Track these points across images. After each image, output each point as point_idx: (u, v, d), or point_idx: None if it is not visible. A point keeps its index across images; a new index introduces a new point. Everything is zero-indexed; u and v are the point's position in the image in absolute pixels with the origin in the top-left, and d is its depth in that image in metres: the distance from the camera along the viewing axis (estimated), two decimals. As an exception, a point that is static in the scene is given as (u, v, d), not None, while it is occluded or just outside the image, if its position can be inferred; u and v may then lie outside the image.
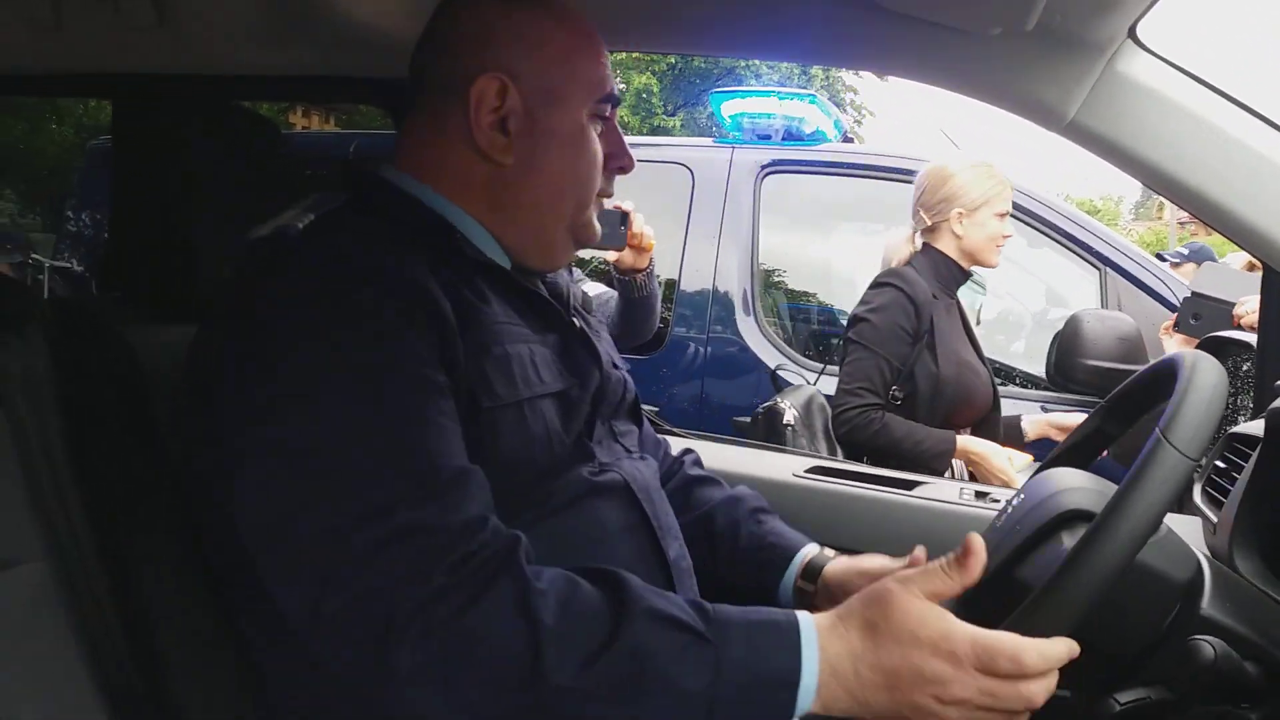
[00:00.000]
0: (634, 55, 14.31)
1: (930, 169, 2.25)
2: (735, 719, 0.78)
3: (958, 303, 2.29)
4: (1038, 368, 3.05)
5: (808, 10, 1.21)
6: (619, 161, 1.09)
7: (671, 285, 3.30)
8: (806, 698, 0.79)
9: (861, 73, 14.91)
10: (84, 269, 4.45)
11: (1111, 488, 0.83)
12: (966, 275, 2.26)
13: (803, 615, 0.82)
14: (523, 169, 1.01)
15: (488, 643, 0.76)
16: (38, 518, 0.92)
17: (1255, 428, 1.07)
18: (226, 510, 0.85)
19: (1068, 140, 1.16)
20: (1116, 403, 1.03)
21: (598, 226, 1.09)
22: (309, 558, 0.78)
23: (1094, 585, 0.73)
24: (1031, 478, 1.00)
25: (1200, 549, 0.94)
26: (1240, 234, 1.10)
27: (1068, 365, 2.57)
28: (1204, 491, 1.21)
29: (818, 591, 1.14)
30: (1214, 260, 4.37)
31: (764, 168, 3.37)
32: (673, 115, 14.84)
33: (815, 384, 2.60)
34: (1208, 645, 0.81)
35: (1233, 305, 2.34)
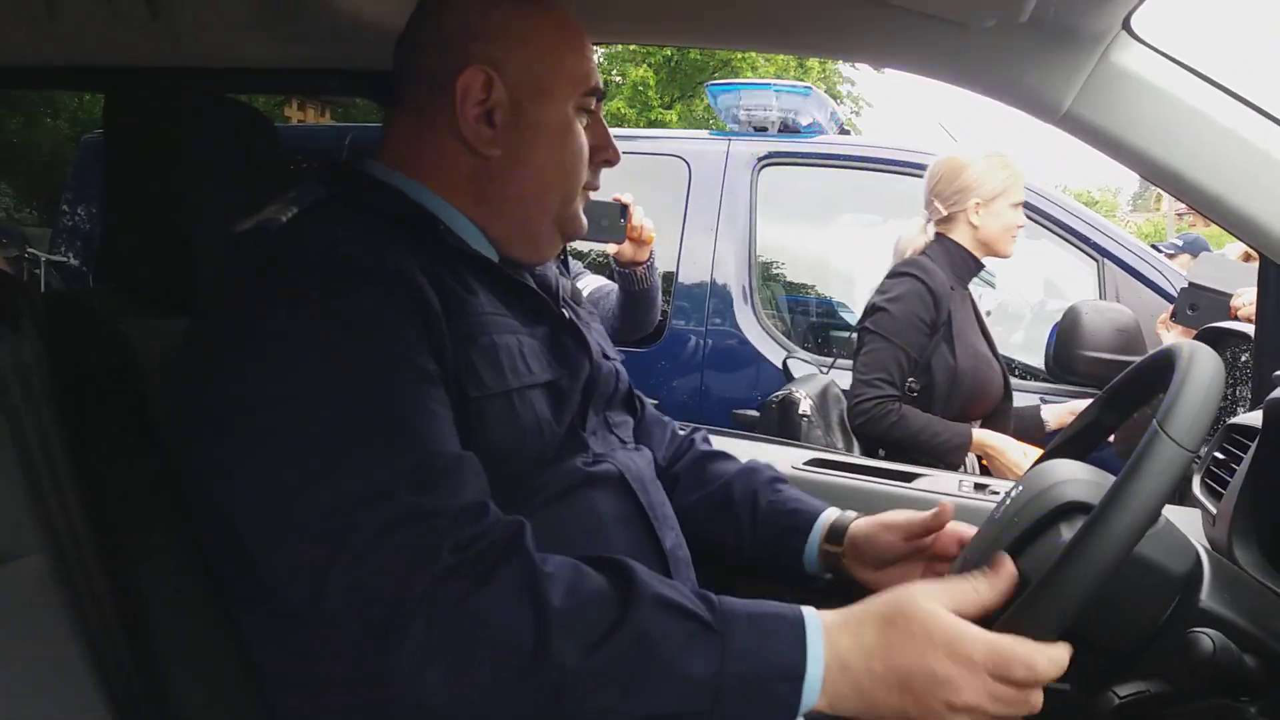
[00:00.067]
0: (630, 48, 14.30)
1: (945, 159, 2.24)
2: (739, 709, 0.78)
3: (969, 294, 2.28)
4: (1036, 359, 3.06)
5: (803, 3, 1.20)
6: (604, 154, 1.09)
7: (669, 278, 3.30)
8: (812, 692, 0.78)
9: (858, 65, 14.91)
10: (80, 263, 4.44)
11: (1110, 479, 0.83)
12: (980, 266, 2.25)
13: (808, 610, 0.82)
14: (509, 162, 1.02)
15: (495, 625, 0.76)
16: (35, 512, 0.92)
17: (1254, 419, 1.07)
18: (223, 504, 0.85)
19: (1063, 131, 1.16)
20: (1114, 394, 1.02)
21: (584, 219, 1.10)
22: (309, 545, 0.78)
23: (1092, 578, 0.73)
24: (1030, 469, 1.00)
25: (1199, 541, 0.94)
26: (1236, 224, 1.10)
27: (1066, 356, 2.57)
28: (1203, 483, 1.21)
29: (845, 551, 1.15)
30: (1208, 251, 4.37)
31: (761, 160, 3.37)
32: (669, 108, 14.81)
33: (828, 372, 2.58)
34: (1206, 638, 0.81)
35: (1230, 296, 2.33)
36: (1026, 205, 3.02)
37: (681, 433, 1.36)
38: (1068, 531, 0.86)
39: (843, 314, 3.73)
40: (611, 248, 2.04)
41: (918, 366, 2.12)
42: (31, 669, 0.86)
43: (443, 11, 1.02)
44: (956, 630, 0.78)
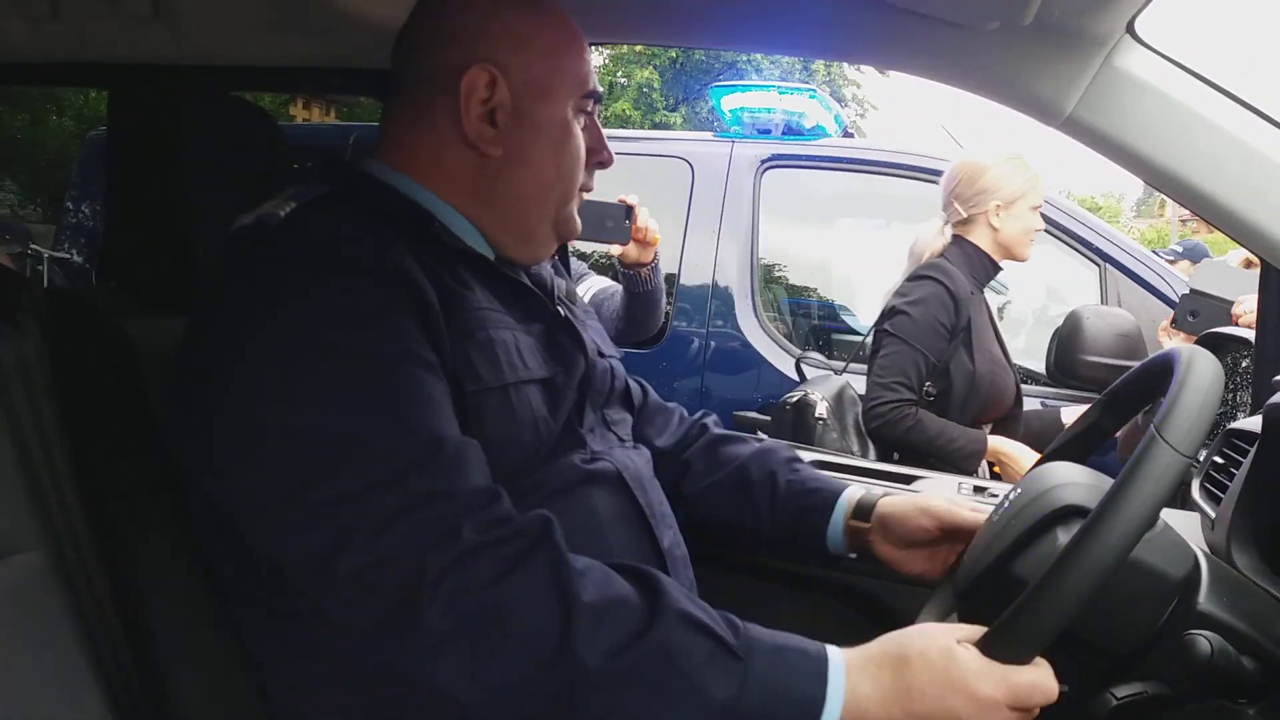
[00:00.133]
0: (635, 49, 14.31)
1: (964, 161, 2.22)
2: None
3: (984, 298, 2.27)
4: (1038, 364, 3.05)
5: (808, 4, 1.20)
6: (599, 156, 1.10)
7: (671, 280, 3.29)
8: None
9: (862, 67, 14.90)
10: (84, 260, 4.45)
11: (1108, 483, 0.83)
12: (997, 269, 2.24)
13: (833, 649, 0.83)
14: (509, 162, 1.02)
15: (521, 612, 0.76)
16: (34, 508, 0.92)
17: (1253, 424, 1.07)
18: (226, 501, 0.85)
19: (1066, 135, 1.16)
20: (1113, 397, 1.02)
21: (578, 221, 1.10)
22: (320, 525, 0.78)
23: (1087, 582, 0.73)
24: (1029, 472, 1.00)
25: (1199, 544, 0.94)
26: (1237, 230, 1.10)
27: (1068, 361, 2.57)
28: (1202, 487, 1.21)
29: (873, 527, 1.15)
30: (1208, 257, 4.37)
31: (764, 162, 3.37)
32: (674, 110, 14.82)
33: (843, 373, 2.56)
34: (1204, 640, 0.81)
35: (1231, 303, 2.33)
36: (1029, 209, 3.03)
37: (689, 418, 1.36)
38: (1064, 536, 0.86)
39: (845, 317, 3.73)
40: (616, 249, 2.04)
41: (935, 371, 2.10)
42: (30, 665, 0.87)
43: (446, 11, 1.02)
44: (974, 670, 0.78)
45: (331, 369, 0.83)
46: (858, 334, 3.61)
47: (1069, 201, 3.33)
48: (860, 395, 2.24)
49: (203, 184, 1.11)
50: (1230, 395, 1.82)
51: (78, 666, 0.90)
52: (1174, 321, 2.51)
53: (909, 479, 1.56)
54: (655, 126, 13.72)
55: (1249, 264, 3.05)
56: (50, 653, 0.89)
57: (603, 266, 3.17)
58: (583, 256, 3.48)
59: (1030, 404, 2.66)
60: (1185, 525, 1.02)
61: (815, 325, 3.74)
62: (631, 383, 1.28)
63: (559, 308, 1.09)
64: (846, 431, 2.23)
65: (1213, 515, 1.08)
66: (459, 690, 0.76)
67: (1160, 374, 0.89)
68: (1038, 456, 2.06)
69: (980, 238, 2.20)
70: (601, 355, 1.15)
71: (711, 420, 1.35)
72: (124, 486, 0.98)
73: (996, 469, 2.16)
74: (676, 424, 1.33)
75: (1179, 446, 0.75)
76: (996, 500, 1.00)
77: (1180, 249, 4.74)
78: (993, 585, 0.90)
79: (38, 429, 0.94)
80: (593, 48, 1.13)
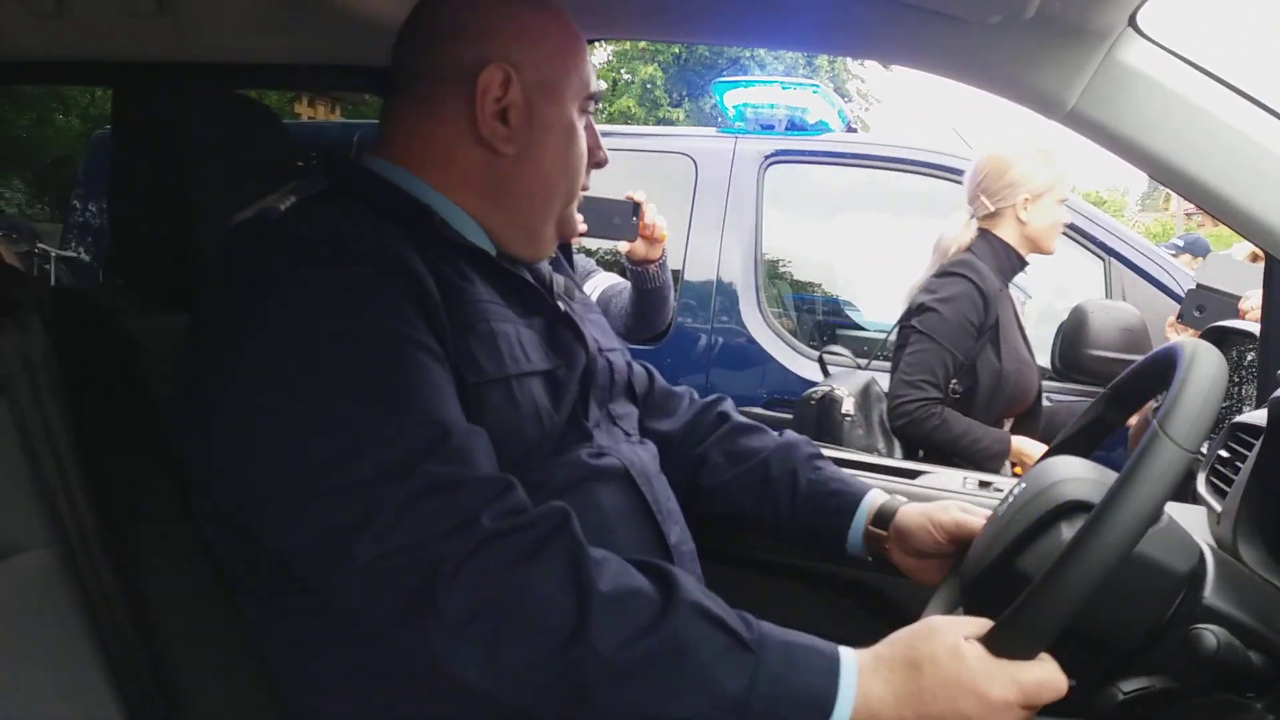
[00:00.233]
0: (639, 45, 14.28)
1: (990, 155, 2.21)
2: None
3: (1008, 293, 2.25)
4: (1043, 358, 3.05)
5: (809, 0, 1.20)
6: (596, 156, 1.11)
7: (675, 276, 3.29)
8: None
9: (866, 61, 14.85)
10: (91, 258, 4.46)
11: (1112, 477, 0.83)
12: (1024, 263, 2.22)
13: (845, 649, 0.83)
14: (519, 160, 1.02)
15: (538, 599, 0.77)
16: (41, 505, 0.93)
17: (1259, 417, 1.06)
18: (235, 494, 0.85)
19: (1069, 129, 1.16)
20: (1117, 392, 1.02)
21: (578, 220, 1.12)
22: (333, 514, 0.79)
23: (1091, 577, 0.73)
24: (1034, 466, 1.00)
25: (1205, 539, 0.94)
26: (1242, 223, 1.10)
27: (1073, 355, 2.56)
28: (1208, 481, 1.20)
29: (889, 536, 1.15)
30: (1209, 251, 4.35)
31: (768, 158, 3.36)
32: (677, 105, 14.79)
33: (868, 366, 2.54)
34: (1210, 634, 0.81)
35: (1238, 298, 2.32)
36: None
37: (700, 400, 1.35)
38: (1068, 530, 0.86)
39: (849, 312, 3.72)
40: (624, 246, 2.04)
41: (961, 369, 2.09)
42: (40, 662, 0.87)
43: (458, 8, 1.02)
44: (984, 671, 0.79)
45: (334, 359, 0.83)
46: (863, 329, 3.61)
47: (1073, 195, 3.32)
48: (886, 391, 2.22)
49: (206, 182, 1.11)
50: (1235, 389, 1.82)
51: (87, 663, 0.90)
52: (1180, 317, 2.50)
53: (914, 473, 1.56)
54: (659, 123, 13.71)
55: (1255, 258, 3.04)
56: (60, 650, 0.89)
57: (609, 263, 3.17)
58: (589, 253, 3.48)
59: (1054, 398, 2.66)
60: (1191, 519, 1.02)
61: (820, 320, 3.74)
62: (636, 367, 1.28)
63: (559, 302, 1.09)
64: (872, 429, 2.22)
65: (1218, 509, 1.08)
66: (473, 677, 0.77)
67: (1164, 368, 0.89)
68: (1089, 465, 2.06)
69: (1007, 232, 2.18)
70: (602, 350, 1.15)
71: (728, 406, 1.34)
72: (130, 483, 0.98)
73: (1018, 470, 2.15)
74: (686, 406, 1.33)
75: (1182, 441, 0.75)
76: (1001, 495, 1.00)
77: (1181, 243, 4.72)
78: (997, 581, 0.90)
79: (44, 427, 0.94)
80: (597, 44, 1.13)
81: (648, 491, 1.07)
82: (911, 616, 0.90)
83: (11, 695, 0.84)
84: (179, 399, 0.93)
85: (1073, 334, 2.55)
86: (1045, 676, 0.79)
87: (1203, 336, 1.92)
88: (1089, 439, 1.06)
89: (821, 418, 2.19)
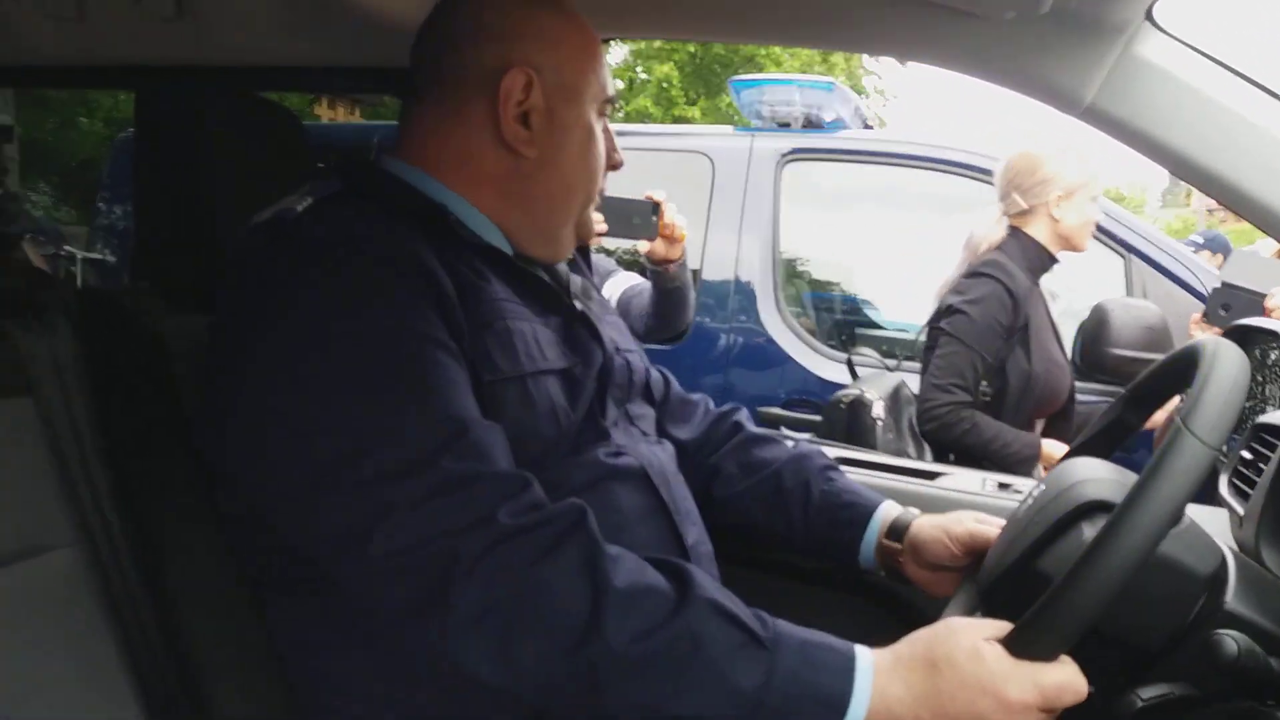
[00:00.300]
0: (655, 45, 14.25)
1: (1021, 152, 2.19)
2: None
3: (1040, 292, 2.23)
4: (1065, 357, 3.03)
5: (825, -3, 1.20)
6: (612, 159, 1.11)
7: (693, 275, 3.29)
8: None
9: (881, 58, 14.78)
10: (116, 260, 4.50)
11: (1133, 478, 0.82)
12: (1054, 261, 2.20)
13: (862, 648, 0.83)
14: (540, 162, 1.03)
15: (554, 595, 0.78)
16: (67, 505, 0.94)
17: (1282, 417, 1.05)
18: (255, 491, 0.86)
19: (1086, 124, 1.15)
20: (1136, 392, 1.01)
21: (594, 222, 1.11)
22: (349, 510, 0.80)
23: (1113, 577, 0.72)
24: (1054, 467, 0.99)
25: (1227, 542, 0.93)
26: (1262, 218, 1.09)
27: (1094, 354, 2.54)
28: (1231, 483, 1.19)
29: (904, 549, 1.14)
30: (1229, 248, 4.30)
31: (784, 156, 3.35)
32: (693, 104, 14.76)
33: (897, 367, 2.52)
34: (1231, 640, 0.80)
35: (1264, 295, 2.29)
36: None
37: (715, 410, 1.35)
38: (1090, 530, 0.85)
39: (868, 311, 3.71)
40: (644, 245, 2.04)
41: (990, 371, 2.07)
42: (65, 660, 0.88)
43: (481, 11, 1.03)
44: (1003, 673, 0.78)
45: (347, 357, 0.84)
46: (882, 327, 3.59)
47: (1095, 192, 3.29)
48: (915, 394, 2.21)
49: (228, 184, 1.12)
50: (1259, 389, 1.80)
51: (112, 661, 0.91)
52: (1205, 315, 2.48)
53: (933, 475, 1.56)
54: (675, 121, 13.68)
55: (1280, 254, 3.01)
56: (85, 648, 0.90)
57: (629, 263, 3.17)
58: (608, 252, 3.48)
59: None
60: (1213, 522, 1.01)
61: (839, 319, 3.72)
62: (654, 372, 1.28)
63: (575, 302, 1.10)
64: (902, 433, 2.20)
65: (1241, 512, 1.06)
66: (487, 672, 0.77)
67: (1184, 367, 0.88)
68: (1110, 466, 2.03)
69: (1039, 229, 2.16)
70: (619, 350, 1.15)
71: (743, 416, 1.34)
72: (156, 483, 0.99)
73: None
74: (701, 415, 1.32)
75: (1205, 438, 0.74)
76: (1021, 496, 1.00)
77: (1201, 239, 4.67)
78: (1017, 582, 0.90)
79: (71, 428, 0.96)
80: (612, 43, 1.14)
81: (665, 492, 1.07)
82: (929, 620, 0.90)
83: (36, 693, 0.85)
84: (202, 396, 0.95)
85: (1094, 332, 2.53)
86: (1066, 679, 0.78)
87: (1225, 335, 1.90)
88: (1109, 440, 1.05)
89: (852, 421, 2.17)
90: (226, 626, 0.96)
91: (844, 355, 3.16)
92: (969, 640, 0.80)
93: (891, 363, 2.69)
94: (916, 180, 3.35)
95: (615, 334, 1.18)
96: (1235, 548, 0.96)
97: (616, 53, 15.01)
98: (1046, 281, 2.26)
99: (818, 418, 2.95)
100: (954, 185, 3.23)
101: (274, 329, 0.86)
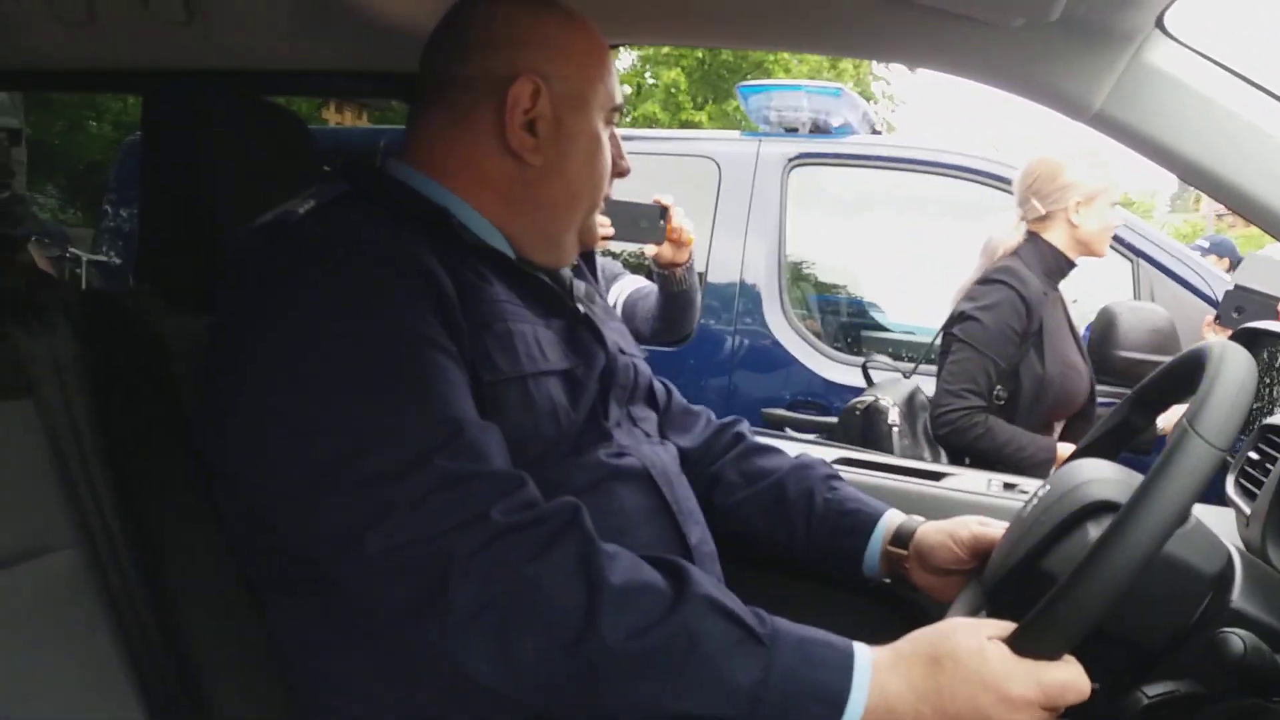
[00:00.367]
0: (662, 51, 14.26)
1: (1041, 157, 2.19)
2: None
3: (1060, 295, 2.23)
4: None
5: (832, 3, 1.20)
6: (618, 167, 1.12)
7: (699, 278, 3.29)
8: None
9: (890, 64, 14.77)
10: (122, 262, 4.52)
11: (1139, 479, 0.82)
12: (1072, 266, 2.20)
13: (860, 645, 0.83)
14: (546, 170, 1.03)
15: (549, 594, 0.77)
16: (68, 506, 0.94)
17: (1289, 419, 1.05)
18: (254, 492, 0.87)
19: (1095, 131, 1.15)
20: (1143, 394, 1.01)
21: (605, 223, 1.12)
22: (346, 509, 0.80)
23: (1119, 577, 0.72)
24: (1059, 468, 0.99)
25: (1233, 541, 0.93)
26: (1272, 224, 1.09)
27: (1101, 356, 2.54)
28: (1237, 483, 1.19)
29: (910, 555, 1.14)
30: (1235, 253, 4.29)
31: (791, 160, 3.35)
32: (701, 109, 14.78)
33: (911, 375, 2.52)
34: (1237, 638, 0.80)
35: (1277, 299, 2.28)
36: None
37: (716, 421, 1.35)
38: (1095, 530, 0.85)
39: (874, 314, 3.71)
40: (651, 249, 2.04)
41: (1005, 376, 2.07)
42: (66, 662, 0.88)
43: (490, 19, 1.03)
44: (1005, 670, 0.78)
45: (345, 357, 0.84)
46: (888, 330, 3.59)
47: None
48: (930, 399, 2.20)
49: (233, 187, 1.13)
50: (1266, 390, 1.79)
51: (113, 663, 0.91)
52: (1219, 318, 2.47)
53: (938, 475, 1.56)
54: (683, 126, 13.69)
55: (1292, 259, 3.00)
56: (86, 650, 0.91)
57: (635, 266, 3.17)
58: (614, 255, 3.49)
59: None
60: (1219, 522, 1.00)
61: (844, 322, 3.72)
62: (656, 383, 1.28)
63: (578, 305, 1.10)
64: (917, 438, 2.20)
65: (1248, 511, 1.06)
66: (484, 671, 0.77)
67: (1190, 369, 0.88)
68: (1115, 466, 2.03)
69: (1057, 235, 2.16)
70: (623, 352, 1.16)
71: (744, 427, 1.34)
72: (156, 483, 0.99)
73: None
74: (703, 427, 1.32)
75: (1212, 439, 0.74)
76: (1026, 496, 1.00)
77: (1207, 244, 4.66)
78: (1022, 582, 0.90)
79: (71, 429, 0.96)
80: (620, 49, 1.14)
81: (668, 492, 1.07)
82: (934, 619, 0.90)
83: (37, 693, 0.85)
84: (201, 397, 0.95)
85: (1102, 335, 2.53)
86: (1069, 678, 0.78)
87: (1232, 338, 1.90)
88: (1115, 442, 1.05)
89: (867, 428, 2.18)
90: (226, 626, 0.96)
91: (848, 358, 3.16)
92: (972, 638, 0.80)
93: (907, 367, 2.68)
94: (923, 185, 3.35)
95: (619, 338, 1.18)
96: (1241, 547, 0.96)
97: (625, 58, 15.02)
98: (1063, 286, 2.25)
99: (822, 419, 2.96)
100: (961, 190, 3.23)
101: (274, 329, 0.87)
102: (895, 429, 2.14)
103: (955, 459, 2.11)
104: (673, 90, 14.56)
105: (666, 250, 2.04)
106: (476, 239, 1.01)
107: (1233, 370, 0.78)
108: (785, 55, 12.99)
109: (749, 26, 1.37)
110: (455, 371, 0.89)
